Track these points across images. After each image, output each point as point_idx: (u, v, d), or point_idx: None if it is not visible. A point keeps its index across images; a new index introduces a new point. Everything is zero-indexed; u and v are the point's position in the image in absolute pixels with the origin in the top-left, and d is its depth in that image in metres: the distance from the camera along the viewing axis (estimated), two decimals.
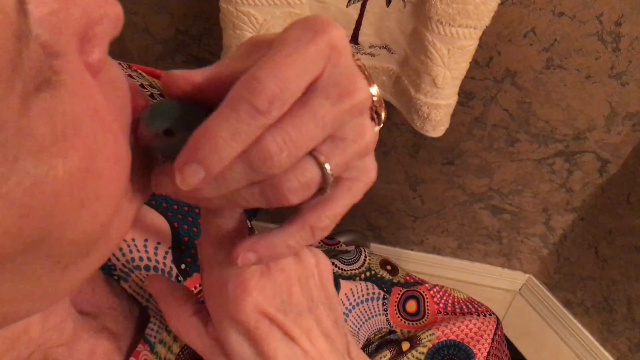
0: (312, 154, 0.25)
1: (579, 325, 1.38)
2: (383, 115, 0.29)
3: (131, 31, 0.99)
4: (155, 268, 0.44)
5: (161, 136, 0.25)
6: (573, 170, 1.16)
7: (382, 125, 0.29)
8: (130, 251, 0.42)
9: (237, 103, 0.23)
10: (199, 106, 0.27)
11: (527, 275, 1.50)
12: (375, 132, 0.28)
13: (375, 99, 0.28)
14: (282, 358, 0.30)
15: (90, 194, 0.21)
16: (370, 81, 0.27)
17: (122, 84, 0.25)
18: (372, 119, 0.28)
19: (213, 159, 0.23)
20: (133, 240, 0.42)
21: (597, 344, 1.34)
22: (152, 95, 0.43)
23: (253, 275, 0.30)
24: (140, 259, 0.43)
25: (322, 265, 0.35)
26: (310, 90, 0.24)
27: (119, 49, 1.03)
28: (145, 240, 0.43)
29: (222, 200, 0.26)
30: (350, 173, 0.28)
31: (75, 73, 0.20)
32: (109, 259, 0.41)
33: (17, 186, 0.18)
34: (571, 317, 1.39)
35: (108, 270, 0.41)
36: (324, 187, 0.26)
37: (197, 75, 0.26)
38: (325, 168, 0.25)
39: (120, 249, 0.41)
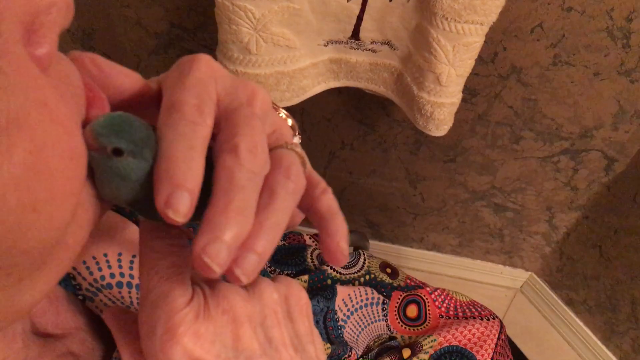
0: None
1: (581, 324, 1.37)
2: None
3: (123, 24, 0.96)
4: (129, 284, 0.41)
5: (106, 153, 0.23)
6: (578, 169, 1.14)
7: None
8: (100, 269, 0.39)
9: (176, 119, 0.24)
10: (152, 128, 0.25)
11: (529, 273, 1.49)
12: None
13: None
14: None
15: (42, 194, 0.19)
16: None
17: (76, 81, 0.23)
18: None
19: (192, 179, 0.23)
20: (105, 255, 0.40)
21: (599, 343, 1.33)
22: None
23: (184, 319, 0.26)
24: (112, 275, 0.40)
25: (292, 300, 0.31)
26: (234, 110, 0.26)
27: (111, 43, 1.00)
28: (119, 254, 0.41)
29: None
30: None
31: (18, 63, 0.18)
32: (74, 278, 0.39)
33: None
34: (573, 315, 1.38)
35: (73, 289, 0.39)
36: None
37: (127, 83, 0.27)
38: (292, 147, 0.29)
39: (88, 267, 0.39)
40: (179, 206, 0.22)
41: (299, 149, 0.29)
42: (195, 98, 0.25)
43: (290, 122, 0.35)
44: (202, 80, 0.26)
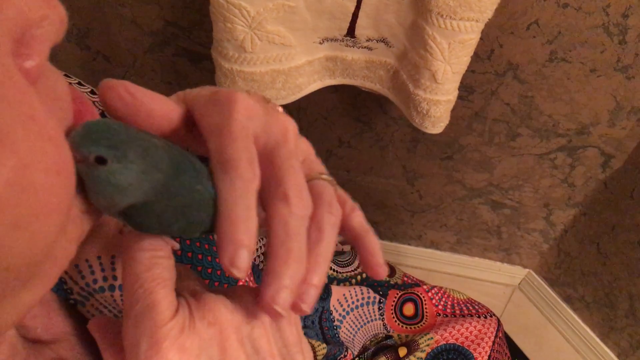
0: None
1: (579, 321, 1.37)
2: None
3: (119, 23, 0.96)
4: (122, 287, 0.40)
5: (90, 163, 0.22)
6: (575, 165, 1.13)
7: None
8: (92, 272, 0.39)
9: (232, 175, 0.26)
10: (144, 133, 0.25)
11: (527, 270, 1.48)
12: None
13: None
14: None
15: (26, 212, 0.18)
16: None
17: (64, 94, 0.23)
18: None
19: (250, 237, 0.25)
20: (99, 258, 0.39)
21: (597, 339, 1.33)
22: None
23: (169, 333, 0.26)
24: (105, 279, 0.39)
25: None
26: (273, 151, 0.28)
27: (106, 41, 1.00)
28: (113, 257, 0.40)
29: None
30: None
31: (5, 75, 0.18)
32: (65, 282, 0.38)
33: None
34: (571, 312, 1.38)
35: (64, 294, 0.38)
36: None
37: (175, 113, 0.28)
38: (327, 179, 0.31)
39: (80, 271, 0.38)
40: (242, 264, 0.25)
41: (327, 175, 0.32)
42: (246, 151, 0.26)
43: None
44: (245, 126, 0.27)
